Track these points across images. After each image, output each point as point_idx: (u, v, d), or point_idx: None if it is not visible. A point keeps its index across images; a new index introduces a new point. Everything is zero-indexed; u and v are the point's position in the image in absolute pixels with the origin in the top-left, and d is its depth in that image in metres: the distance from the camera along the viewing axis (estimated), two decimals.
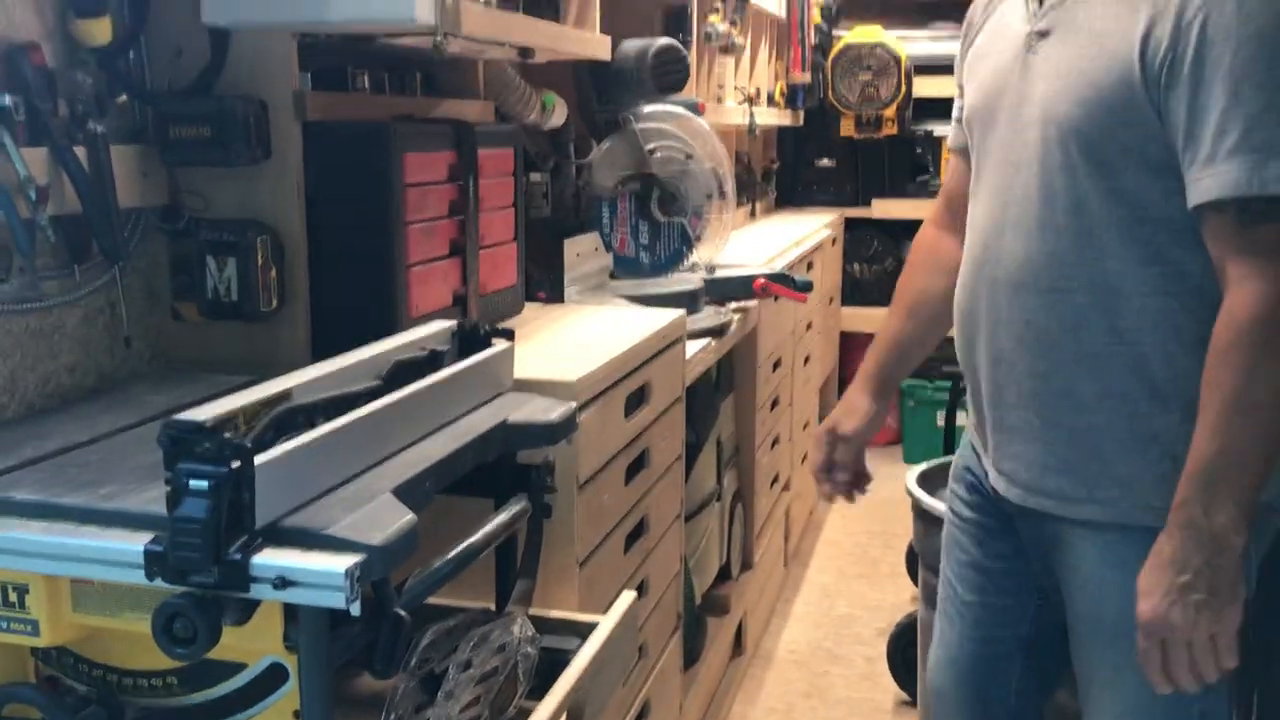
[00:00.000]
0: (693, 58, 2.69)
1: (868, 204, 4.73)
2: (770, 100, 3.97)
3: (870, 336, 1.64)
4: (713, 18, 2.93)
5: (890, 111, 4.42)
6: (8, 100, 1.30)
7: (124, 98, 1.49)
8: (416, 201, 1.63)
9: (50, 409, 1.38)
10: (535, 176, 2.32)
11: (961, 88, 1.46)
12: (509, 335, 1.43)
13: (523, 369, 1.48)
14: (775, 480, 3.23)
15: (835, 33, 4.58)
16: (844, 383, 4.85)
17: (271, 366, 1.42)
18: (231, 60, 1.52)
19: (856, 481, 1.61)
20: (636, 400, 1.80)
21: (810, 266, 3.63)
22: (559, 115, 2.31)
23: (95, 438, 1.22)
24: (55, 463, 1.13)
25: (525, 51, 1.92)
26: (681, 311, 2.08)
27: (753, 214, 4.19)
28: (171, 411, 1.05)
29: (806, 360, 3.70)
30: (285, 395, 1.07)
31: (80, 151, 1.36)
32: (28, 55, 1.33)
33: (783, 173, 4.69)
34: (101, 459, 1.14)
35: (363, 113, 1.78)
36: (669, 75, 2.41)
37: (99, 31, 1.41)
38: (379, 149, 1.58)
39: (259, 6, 1.46)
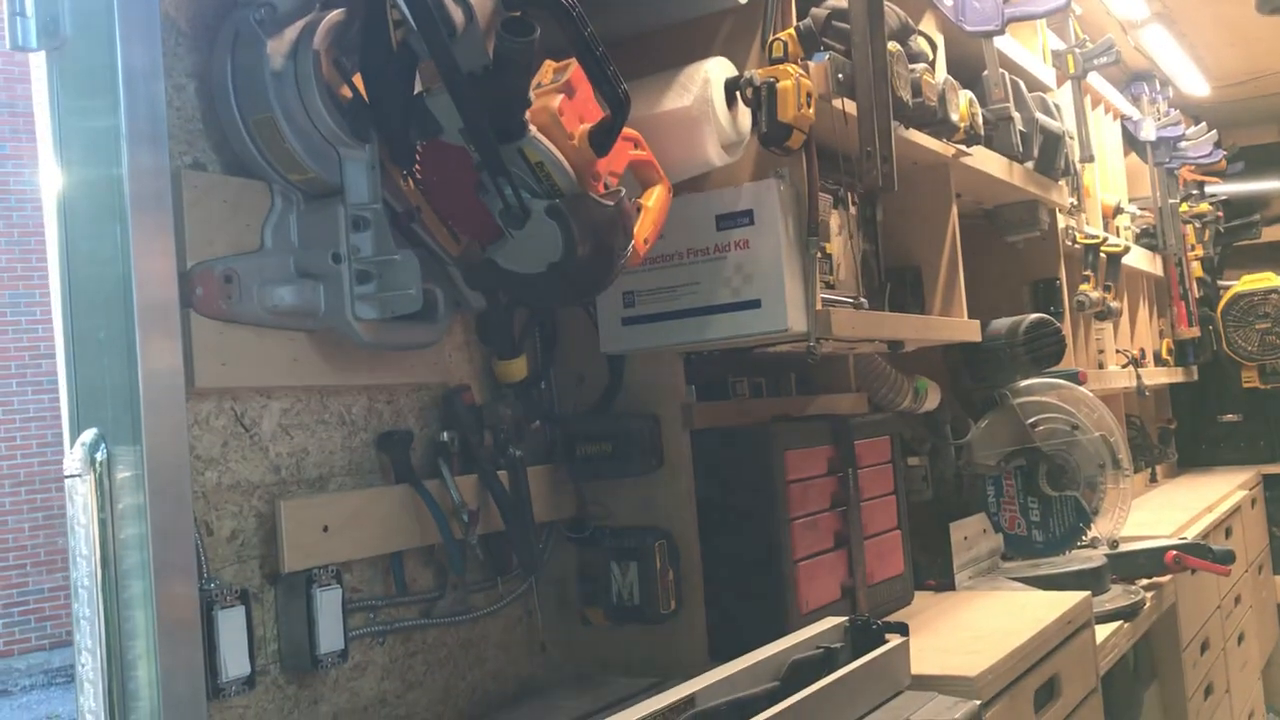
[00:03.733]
0: (1066, 328, 2.63)
1: None
2: (1158, 359, 3.77)
3: None
4: (1083, 286, 2.88)
5: None
6: (446, 436, 1.50)
7: (537, 423, 1.67)
8: (799, 497, 1.68)
9: (477, 715, 1.49)
10: (913, 460, 2.31)
11: None
12: (903, 630, 1.40)
13: (919, 664, 1.44)
14: None
15: (1221, 283, 4.34)
16: None
17: (673, 667, 1.46)
18: (627, 382, 1.68)
19: None
20: (1046, 694, 1.67)
21: (1229, 533, 3.29)
22: (932, 399, 2.32)
23: None
24: None
25: (894, 344, 1.97)
26: (1086, 593, 1.95)
27: (1153, 479, 3.90)
28: (584, 718, 1.10)
29: (1241, 639, 3.30)
30: (689, 701, 1.10)
31: (502, 475, 1.53)
32: (461, 396, 1.54)
33: (1182, 432, 4.36)
34: None
35: (744, 417, 1.88)
36: (1044, 349, 2.37)
37: (516, 370, 1.61)
38: (761, 450, 1.65)
39: (649, 334, 1.62)
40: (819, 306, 1.60)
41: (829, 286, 1.77)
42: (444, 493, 1.45)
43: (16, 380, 8.10)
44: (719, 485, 1.65)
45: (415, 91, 1.28)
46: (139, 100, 1.10)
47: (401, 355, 1.45)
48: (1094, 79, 3.17)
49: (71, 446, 1.12)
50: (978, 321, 2.17)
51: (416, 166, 1.32)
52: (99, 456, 1.09)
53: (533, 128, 1.28)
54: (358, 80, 1.28)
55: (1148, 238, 3.67)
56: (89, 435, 1.11)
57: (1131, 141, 3.70)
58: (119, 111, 1.06)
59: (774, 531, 1.64)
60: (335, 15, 1.27)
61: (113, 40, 1.11)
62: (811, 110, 1.54)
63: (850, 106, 1.65)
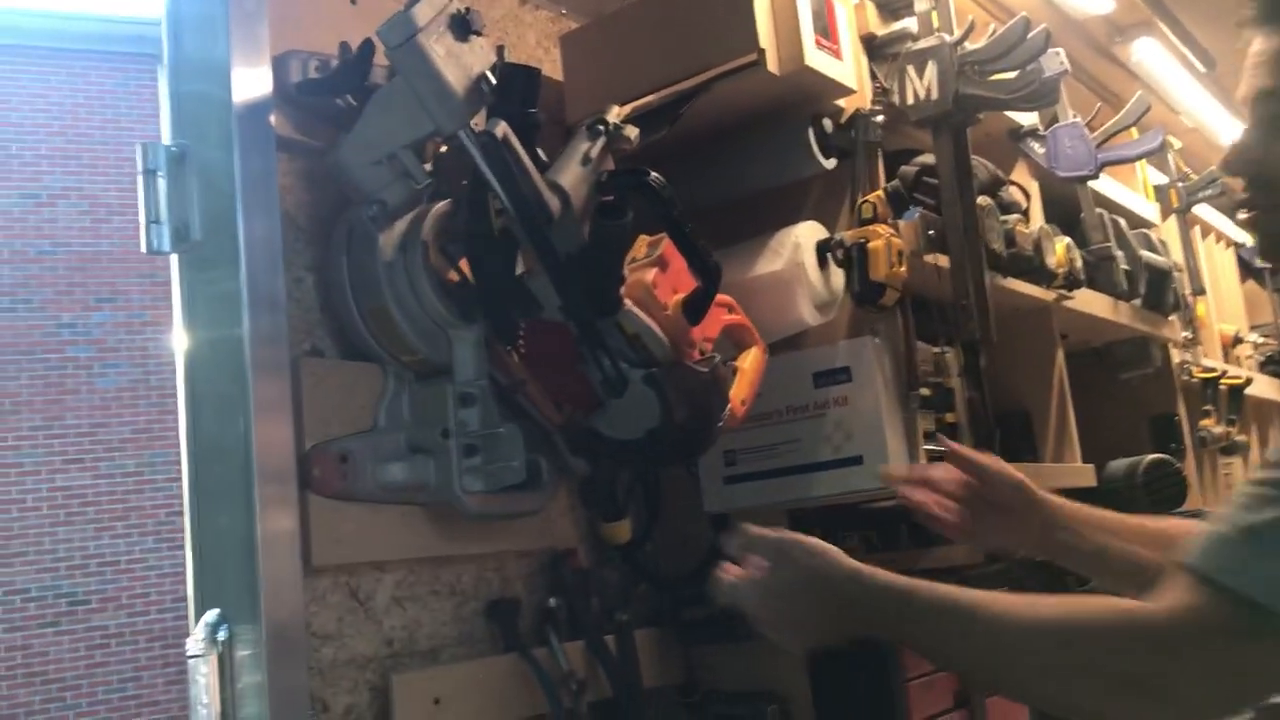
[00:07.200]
0: (1189, 466, 2.55)
1: None
2: None
3: None
4: (1205, 421, 2.79)
5: None
6: (553, 602, 1.52)
7: (642, 587, 1.67)
8: (915, 656, 1.63)
9: None
10: None
11: None
12: None
13: None
14: None
15: None
16: None
17: None
18: None
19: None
20: None
21: None
22: None
23: None
24: None
25: None
26: None
27: None
28: None
29: None
30: None
31: (610, 640, 1.53)
32: (567, 561, 1.56)
33: None
34: None
35: None
36: (1164, 491, 2.29)
37: (621, 532, 1.62)
38: None
39: (752, 492, 1.63)
40: (923, 460, 1.59)
41: (952, 427, 1.76)
42: (552, 661, 1.45)
43: (153, 538, 8.40)
44: (832, 647, 1.62)
45: (517, 273, 1.34)
46: (261, 297, 1.18)
47: (508, 523, 1.48)
48: (1202, 208, 3.13)
49: (195, 626, 1.17)
50: (1091, 467, 2.11)
51: (520, 342, 1.38)
52: (220, 637, 1.14)
53: (628, 302, 1.33)
54: (464, 265, 1.35)
55: (1273, 365, 3.55)
56: (211, 615, 1.16)
57: (1248, 268, 3.62)
58: (242, 313, 1.14)
59: (890, 692, 1.60)
60: (441, 206, 1.35)
61: (236, 240, 1.20)
62: (904, 268, 1.57)
63: (943, 261, 1.67)
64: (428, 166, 1.32)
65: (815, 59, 1.56)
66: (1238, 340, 3.27)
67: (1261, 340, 3.49)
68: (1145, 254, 2.44)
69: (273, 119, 1.27)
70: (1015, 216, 1.86)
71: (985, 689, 0.99)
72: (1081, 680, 0.93)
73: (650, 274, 1.36)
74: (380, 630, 1.34)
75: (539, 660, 1.44)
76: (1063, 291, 2.03)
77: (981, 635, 0.99)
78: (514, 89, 1.28)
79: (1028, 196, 2.05)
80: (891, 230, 1.58)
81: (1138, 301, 2.41)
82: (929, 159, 1.76)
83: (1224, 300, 3.35)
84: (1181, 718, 0.95)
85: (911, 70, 1.67)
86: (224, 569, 1.18)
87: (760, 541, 1.12)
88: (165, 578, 8.39)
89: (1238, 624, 0.86)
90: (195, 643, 1.14)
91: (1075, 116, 2.13)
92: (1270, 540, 0.86)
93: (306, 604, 1.25)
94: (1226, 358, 3.15)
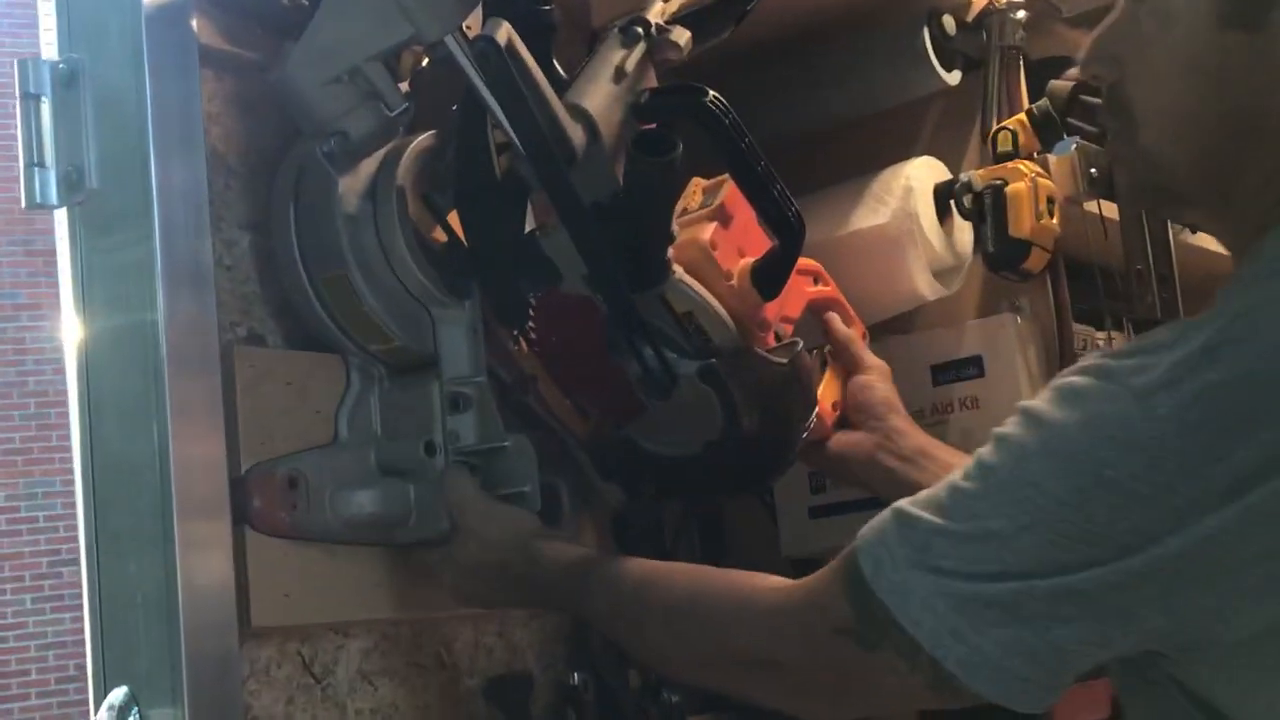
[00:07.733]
0: None
1: None
2: None
3: None
4: None
5: None
6: (576, 679, 1.52)
7: None
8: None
9: None
10: None
11: None
12: None
13: None
14: None
15: None
16: None
17: None
18: None
19: None
20: None
21: None
22: None
23: None
24: None
25: None
26: None
27: None
28: None
29: None
30: None
31: None
32: None
33: None
34: None
35: None
36: None
37: None
38: None
39: (847, 529, 1.61)
40: None
41: None
42: None
43: (32, 595, 8.50)
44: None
45: (526, 230, 1.34)
46: (181, 267, 1.19)
47: None
48: None
49: (96, 711, 1.18)
50: None
51: (530, 325, 1.38)
52: None
53: (678, 268, 1.33)
54: (454, 220, 1.35)
55: None
56: (118, 695, 1.17)
57: None
58: (155, 289, 1.15)
59: None
60: (423, 141, 1.36)
61: (148, 189, 1.20)
62: (1055, 220, 1.56)
63: (1111, 210, 1.66)
64: (404, 86, 1.32)
65: None
66: None
67: None
68: None
69: (195, 24, 1.27)
70: None
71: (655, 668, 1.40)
72: (708, 659, 1.18)
73: (708, 230, 1.36)
74: (344, 716, 1.35)
75: None
76: None
77: (626, 612, 1.24)
78: None
79: None
80: (1038, 169, 1.57)
81: None
82: None
83: None
84: (819, 709, 1.16)
85: None
86: (134, 634, 1.18)
87: (449, 498, 1.32)
88: (49, 648, 8.50)
89: (856, 623, 1.02)
90: None
91: None
92: (925, 547, 0.99)
93: (245, 680, 1.26)
94: None
